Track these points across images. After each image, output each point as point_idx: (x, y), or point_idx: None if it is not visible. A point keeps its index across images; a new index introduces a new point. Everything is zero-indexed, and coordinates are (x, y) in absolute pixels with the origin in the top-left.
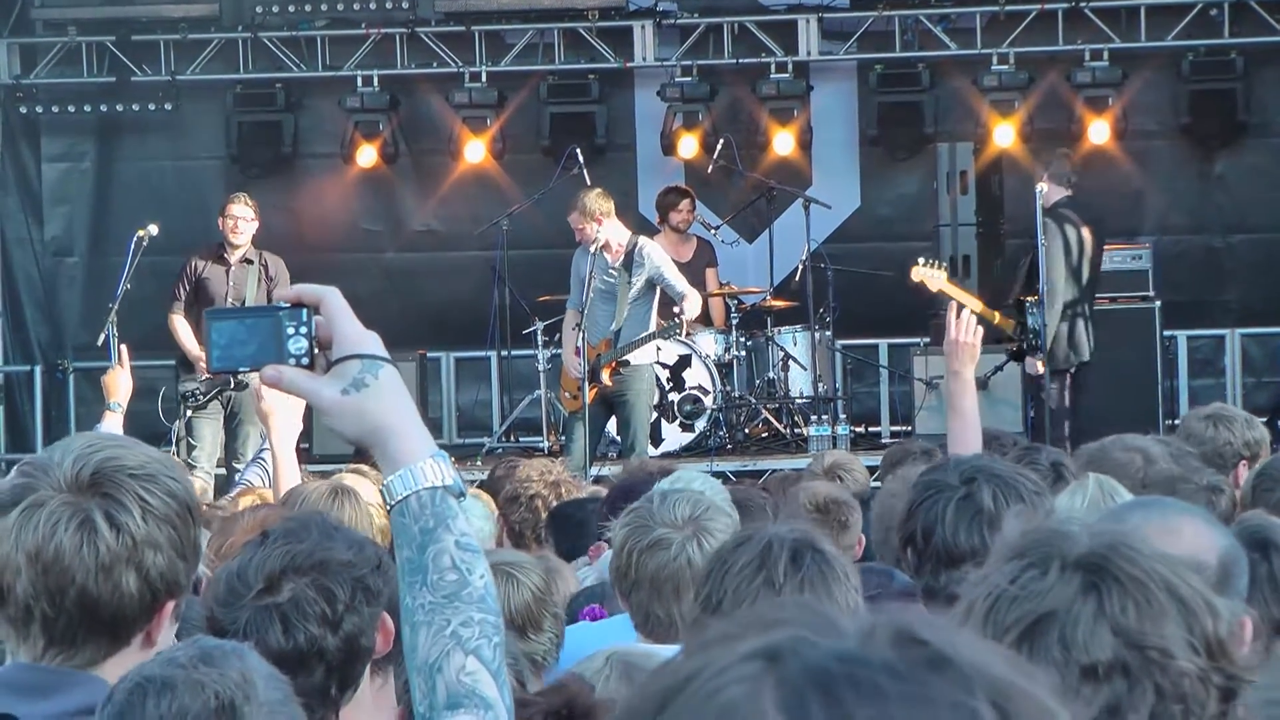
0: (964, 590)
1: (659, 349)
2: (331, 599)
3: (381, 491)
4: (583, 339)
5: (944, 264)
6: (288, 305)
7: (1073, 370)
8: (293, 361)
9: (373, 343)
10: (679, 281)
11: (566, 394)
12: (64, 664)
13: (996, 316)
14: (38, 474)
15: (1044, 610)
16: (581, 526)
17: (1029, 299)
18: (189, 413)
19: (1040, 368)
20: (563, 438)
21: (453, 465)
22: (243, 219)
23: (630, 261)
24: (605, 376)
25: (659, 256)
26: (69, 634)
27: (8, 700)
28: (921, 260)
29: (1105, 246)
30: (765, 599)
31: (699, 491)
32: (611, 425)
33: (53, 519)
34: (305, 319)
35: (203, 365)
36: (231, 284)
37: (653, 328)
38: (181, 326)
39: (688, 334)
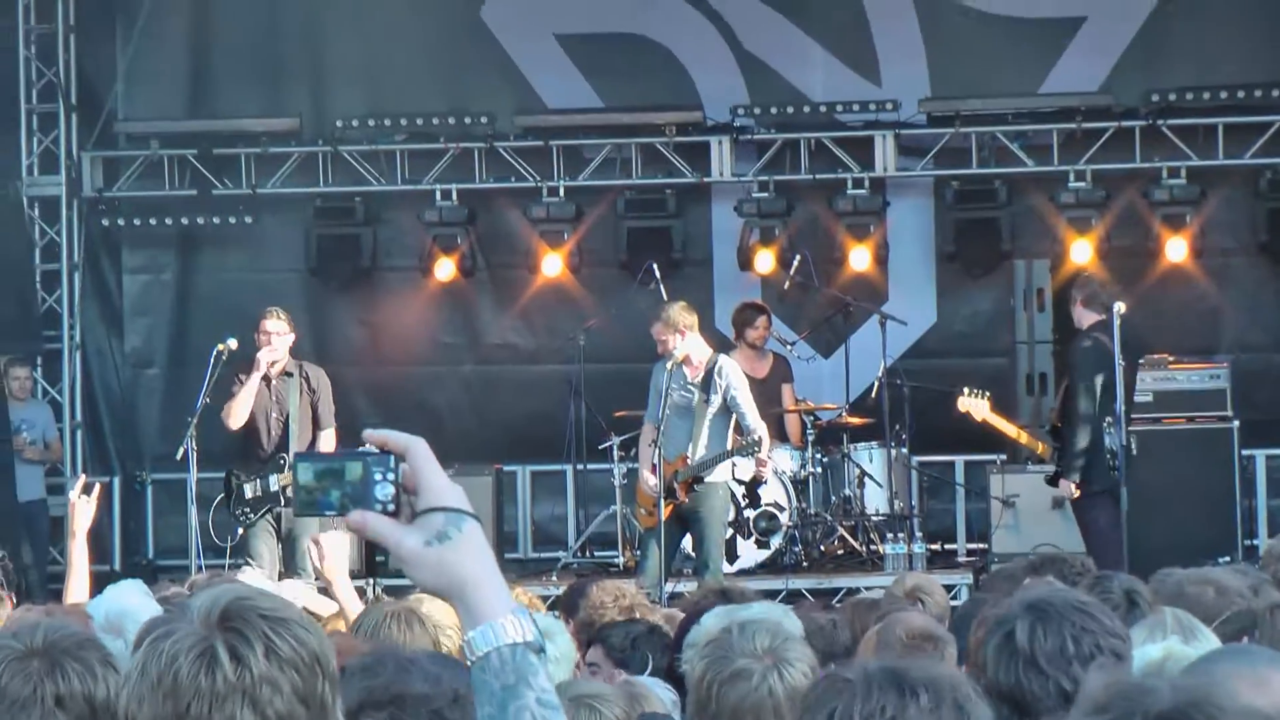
0: None
1: (735, 466)
2: None
3: (462, 647)
4: (658, 454)
5: (987, 394)
6: (375, 451)
7: (1106, 491)
8: (379, 508)
9: (457, 496)
10: (751, 412)
11: (642, 510)
12: None
13: (1039, 446)
14: (176, 610)
15: None
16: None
17: (1107, 419)
18: (240, 530)
19: (1075, 491)
20: (637, 553)
21: (531, 618)
22: (277, 334)
23: (709, 380)
24: (681, 493)
25: (737, 380)
26: None
27: None
28: (966, 390)
29: (1183, 365)
30: None
31: (777, 621)
32: (687, 542)
33: (175, 647)
34: (393, 465)
35: (269, 360)
36: (274, 399)
37: (729, 446)
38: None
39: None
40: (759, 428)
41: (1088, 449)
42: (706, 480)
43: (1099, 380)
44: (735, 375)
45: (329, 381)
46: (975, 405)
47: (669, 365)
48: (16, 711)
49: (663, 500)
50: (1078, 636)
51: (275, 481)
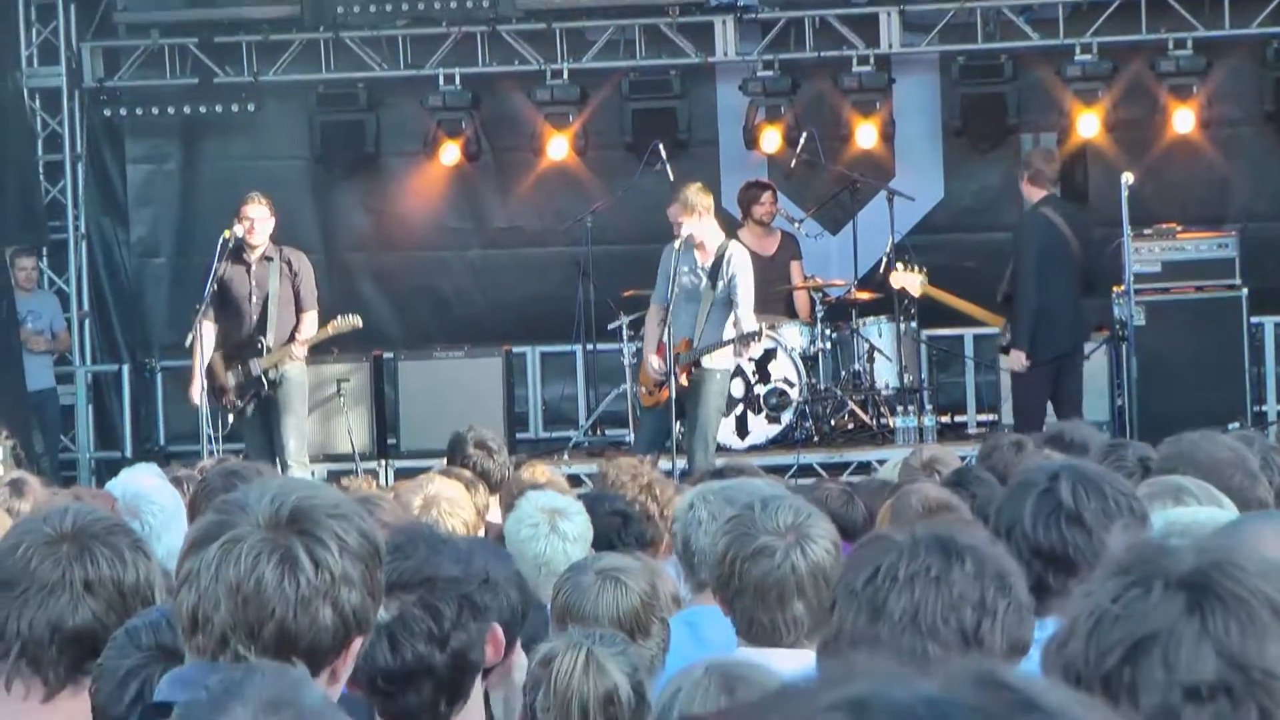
0: (1067, 606)
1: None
2: (438, 616)
3: None
4: (668, 334)
5: (923, 267)
6: None
7: (1051, 361)
8: None
9: None
10: (746, 305)
11: (643, 389)
12: None
13: (989, 317)
14: (234, 511)
15: (1146, 631)
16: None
17: (1115, 290)
18: (231, 419)
19: (1025, 361)
20: (610, 433)
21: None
22: (258, 219)
23: (717, 266)
24: (682, 377)
25: (743, 271)
26: None
27: (187, 696)
28: (900, 265)
29: (1190, 234)
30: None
31: (796, 500)
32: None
33: (254, 552)
34: None
35: (193, 397)
36: (254, 283)
37: (731, 334)
38: (207, 340)
39: (772, 326)
40: (749, 319)
41: (1034, 321)
42: (704, 366)
43: (1041, 255)
44: (742, 265)
45: (310, 265)
46: (909, 280)
47: (677, 246)
48: (45, 596)
49: (672, 380)
50: (1116, 498)
51: (255, 366)
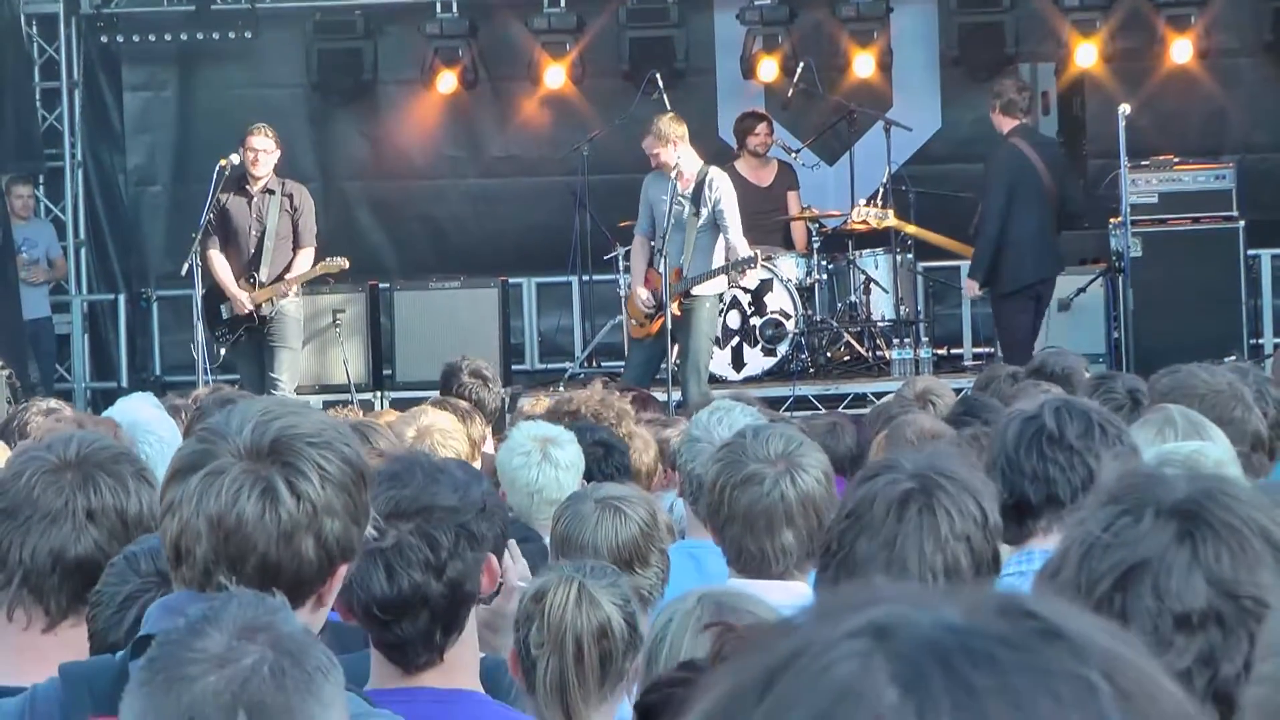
0: (1060, 535)
1: (741, 276)
2: (435, 545)
3: None
4: (664, 263)
5: (888, 205)
6: None
7: (1024, 290)
8: None
9: None
10: (735, 228)
11: (633, 321)
12: None
13: (960, 247)
14: (216, 439)
15: (1138, 559)
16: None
17: (1112, 221)
18: (223, 352)
19: (976, 290)
20: (606, 364)
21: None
22: (263, 150)
23: (699, 192)
24: (674, 307)
25: (727, 194)
26: None
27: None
28: (862, 202)
29: (1188, 166)
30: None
31: (788, 429)
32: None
33: (235, 485)
34: None
35: (240, 302)
36: (254, 215)
37: (720, 260)
38: (220, 263)
39: (768, 258)
40: (741, 244)
41: (994, 250)
42: (694, 294)
43: (1011, 185)
44: (725, 189)
45: (311, 201)
46: (870, 214)
47: (673, 175)
48: (48, 524)
49: (666, 310)
50: (1103, 425)
51: (249, 300)
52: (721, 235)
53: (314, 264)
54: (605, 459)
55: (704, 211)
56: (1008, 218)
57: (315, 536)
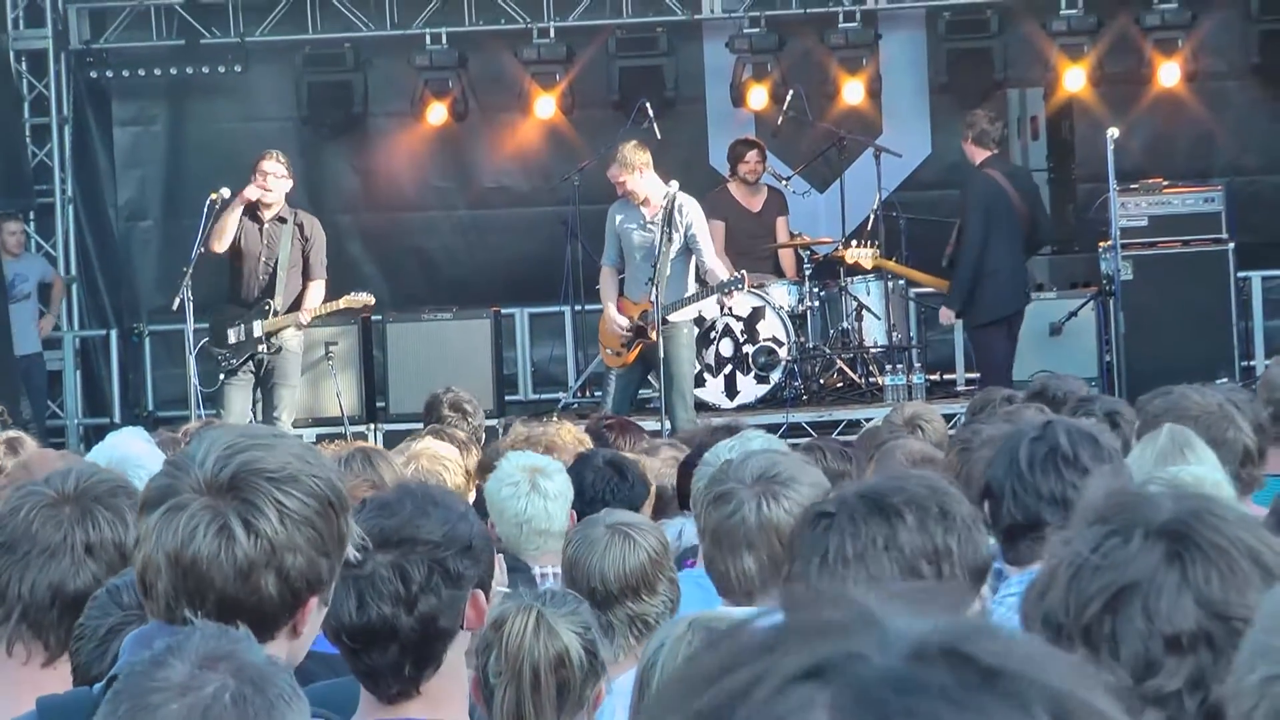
0: (1047, 553)
1: (731, 305)
2: (406, 579)
3: None
4: (655, 291)
5: (877, 243)
6: None
7: (1002, 320)
8: None
9: None
10: (709, 252)
11: (608, 350)
12: None
13: (937, 282)
14: (179, 474)
15: (1126, 580)
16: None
17: (1102, 245)
18: (221, 376)
19: (953, 318)
20: (598, 394)
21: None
22: (274, 175)
23: (669, 218)
24: (651, 333)
25: (698, 218)
26: None
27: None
28: (854, 243)
29: (1177, 189)
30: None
31: (783, 455)
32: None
33: (192, 523)
34: None
35: (257, 198)
36: (265, 243)
37: (693, 286)
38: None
39: (760, 285)
40: (717, 267)
41: (971, 280)
42: (671, 320)
43: (987, 215)
44: (695, 213)
45: (324, 233)
46: (862, 254)
47: (638, 204)
48: (47, 559)
49: (635, 340)
50: (1108, 448)
51: (259, 328)
52: (694, 260)
53: (331, 298)
54: (617, 482)
55: (676, 237)
56: (985, 248)
57: (276, 572)
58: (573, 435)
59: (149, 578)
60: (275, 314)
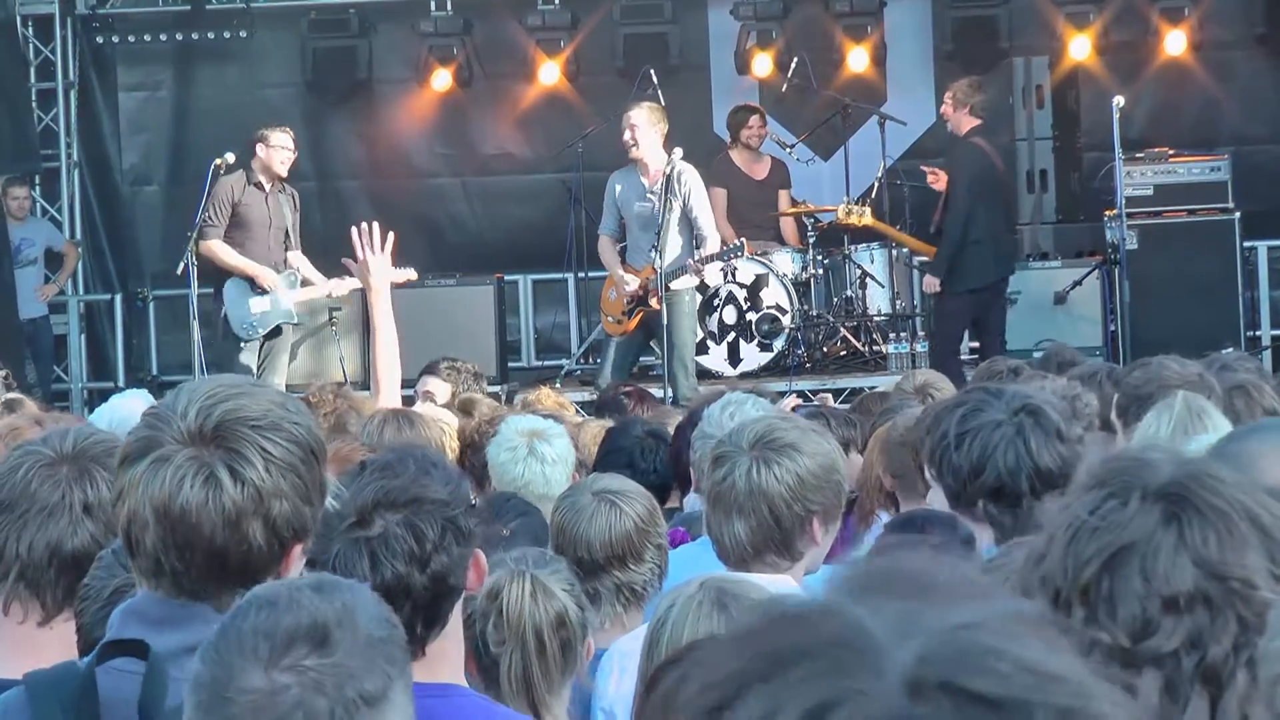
0: (1045, 520)
1: (735, 270)
2: (421, 537)
3: None
4: (658, 260)
5: (867, 206)
6: None
7: (976, 291)
8: None
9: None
10: (707, 220)
11: (609, 317)
12: None
13: (924, 247)
14: (161, 425)
15: (1124, 541)
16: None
17: (1107, 214)
18: (250, 344)
19: (936, 286)
20: (598, 360)
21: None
22: (288, 149)
23: (668, 186)
24: (654, 301)
25: (697, 186)
26: (199, 584)
27: (140, 629)
28: (845, 200)
29: (1182, 158)
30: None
31: (787, 421)
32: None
33: (179, 474)
34: None
35: (268, 281)
36: (271, 210)
37: (696, 253)
38: (224, 249)
39: (763, 253)
40: (713, 236)
41: (956, 249)
42: (673, 288)
43: (973, 185)
44: (695, 181)
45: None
46: (857, 212)
47: (632, 155)
48: (44, 518)
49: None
50: (1059, 409)
51: (286, 299)
52: (693, 229)
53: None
54: (655, 450)
55: (675, 205)
56: (970, 218)
57: (263, 520)
58: (553, 400)
59: (135, 532)
60: (302, 283)
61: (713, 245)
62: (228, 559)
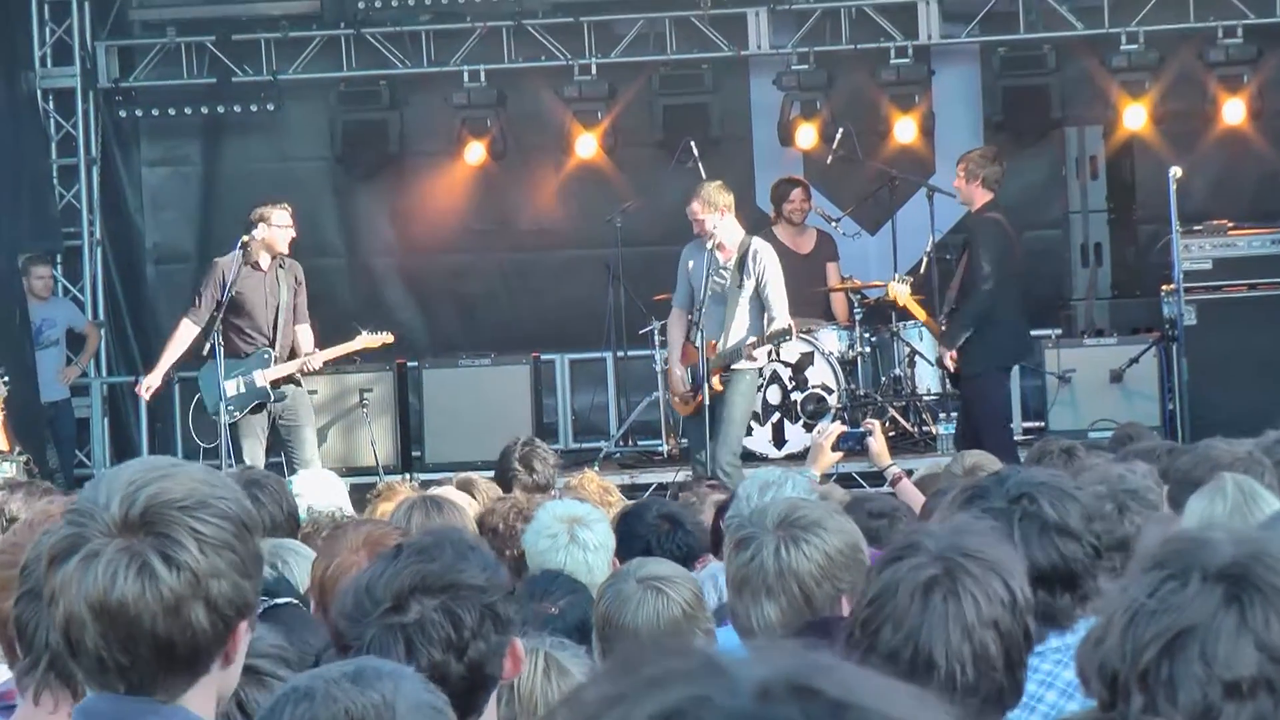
0: (1103, 602)
1: (779, 349)
2: (459, 624)
3: None
4: (700, 336)
5: (909, 279)
6: None
7: (1005, 369)
8: None
9: None
10: (779, 303)
11: (675, 399)
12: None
13: (935, 328)
14: (84, 520)
15: (1184, 624)
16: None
17: (1165, 289)
18: (225, 423)
19: (950, 359)
20: (682, 441)
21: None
22: (289, 226)
23: (743, 263)
24: (715, 381)
25: (772, 267)
26: (148, 676)
27: None
28: (896, 276)
29: (1242, 231)
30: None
31: (809, 500)
32: None
33: (110, 567)
34: None
35: (146, 383)
36: (268, 290)
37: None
38: (177, 335)
39: (808, 330)
40: (782, 316)
41: (976, 323)
42: (734, 368)
43: (1001, 261)
44: (770, 262)
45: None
46: (900, 290)
47: (709, 245)
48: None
49: (706, 385)
50: (1080, 497)
51: (260, 377)
52: (765, 310)
53: (347, 339)
54: (670, 534)
55: (748, 284)
56: (999, 295)
57: (204, 603)
58: (596, 485)
59: (74, 633)
60: (275, 361)
61: (780, 325)
62: (174, 647)
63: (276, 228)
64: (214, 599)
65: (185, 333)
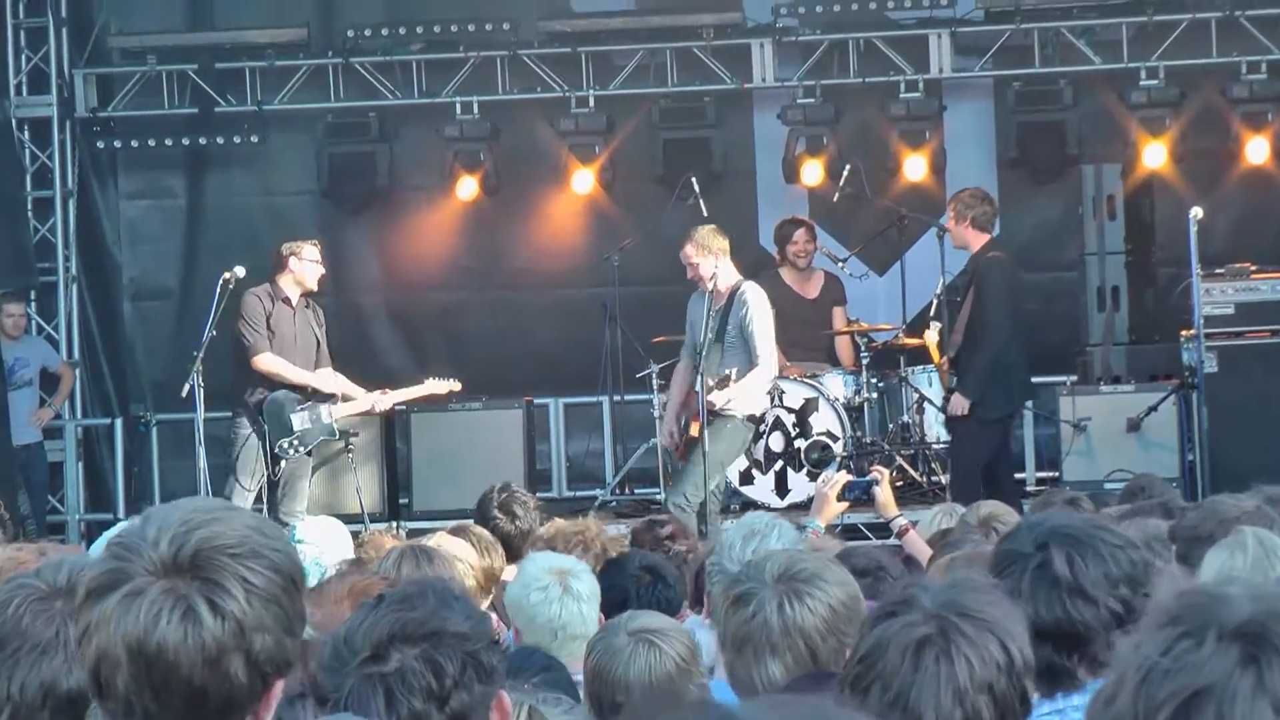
0: (1115, 660)
1: (783, 394)
2: (440, 673)
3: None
4: (701, 382)
5: (939, 325)
6: None
7: (1004, 419)
8: None
9: None
10: (763, 342)
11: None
12: None
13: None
14: (130, 555)
15: (1199, 685)
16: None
17: (1184, 334)
18: (283, 463)
19: (964, 408)
20: (639, 490)
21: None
22: (319, 262)
23: (729, 305)
24: (693, 427)
25: (757, 307)
26: None
27: None
28: (932, 324)
29: (1266, 274)
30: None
31: (806, 552)
32: (732, 473)
33: (154, 608)
34: None
35: (326, 388)
36: (298, 328)
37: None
38: (281, 362)
39: (813, 376)
40: (766, 360)
41: (990, 370)
42: (720, 413)
43: (1011, 304)
44: (756, 302)
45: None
46: (930, 337)
47: (709, 288)
48: (37, 656)
49: (704, 425)
50: (1114, 555)
51: (327, 414)
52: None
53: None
54: (651, 587)
55: (732, 327)
56: (1009, 338)
57: (244, 656)
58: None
59: (105, 672)
60: (334, 399)
61: (763, 369)
62: (207, 699)
63: (305, 262)
64: (255, 653)
65: (279, 362)
